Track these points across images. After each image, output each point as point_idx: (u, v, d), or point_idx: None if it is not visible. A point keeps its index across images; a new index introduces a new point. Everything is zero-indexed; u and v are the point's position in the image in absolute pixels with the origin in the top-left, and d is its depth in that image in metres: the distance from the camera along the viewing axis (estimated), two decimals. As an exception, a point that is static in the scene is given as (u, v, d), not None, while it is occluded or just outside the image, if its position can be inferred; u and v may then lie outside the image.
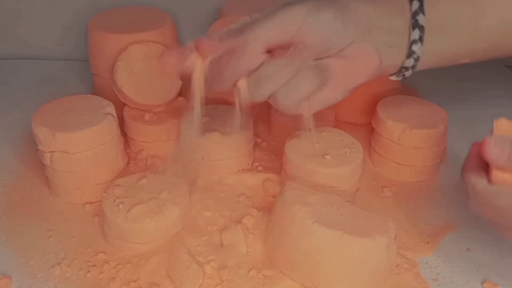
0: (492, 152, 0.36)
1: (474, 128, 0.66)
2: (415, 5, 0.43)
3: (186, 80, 0.45)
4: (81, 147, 0.51)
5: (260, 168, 0.59)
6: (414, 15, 0.43)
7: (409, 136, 0.55)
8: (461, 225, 0.52)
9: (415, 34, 0.43)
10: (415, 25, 0.43)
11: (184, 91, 0.63)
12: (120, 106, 0.60)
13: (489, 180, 0.37)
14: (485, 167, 0.38)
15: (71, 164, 0.52)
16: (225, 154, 0.56)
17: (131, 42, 0.62)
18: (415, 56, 0.44)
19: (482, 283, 0.46)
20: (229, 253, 0.46)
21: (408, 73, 0.46)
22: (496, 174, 0.36)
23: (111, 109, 0.55)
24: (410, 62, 0.44)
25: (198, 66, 0.43)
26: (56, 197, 0.55)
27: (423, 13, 0.43)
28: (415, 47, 0.43)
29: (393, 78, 0.47)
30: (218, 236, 0.48)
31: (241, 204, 0.53)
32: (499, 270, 0.47)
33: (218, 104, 0.61)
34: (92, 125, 0.51)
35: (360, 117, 0.66)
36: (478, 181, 0.37)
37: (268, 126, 0.65)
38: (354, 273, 0.43)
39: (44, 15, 0.81)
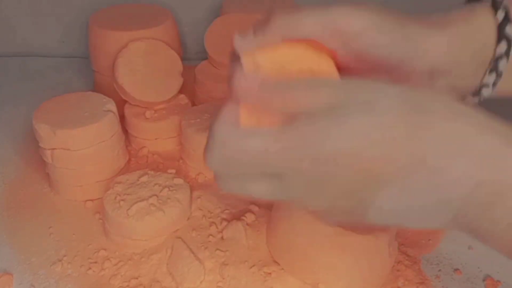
0: (240, 84, 0.30)
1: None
2: (502, 47, 0.35)
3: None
4: (82, 144, 0.51)
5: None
6: (497, 59, 0.35)
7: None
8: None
9: (490, 79, 0.36)
10: (494, 69, 0.36)
11: (184, 89, 0.63)
12: (121, 103, 0.60)
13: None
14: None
15: (72, 161, 0.52)
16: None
17: (131, 39, 0.62)
18: (482, 98, 0.37)
19: (484, 280, 0.46)
20: (230, 250, 0.46)
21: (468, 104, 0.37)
22: (244, 121, 0.30)
23: (112, 106, 0.54)
24: (474, 100, 0.38)
25: None
26: (57, 194, 0.55)
27: (507, 59, 0.35)
28: (485, 90, 0.37)
29: None
30: (219, 233, 0.48)
31: (242, 201, 0.53)
32: (500, 267, 0.47)
33: (219, 102, 0.61)
34: (93, 122, 0.51)
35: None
36: (227, 130, 0.30)
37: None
38: (355, 270, 0.43)
39: (44, 13, 0.81)
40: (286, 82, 0.30)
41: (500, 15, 0.35)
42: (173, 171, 0.55)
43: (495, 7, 0.35)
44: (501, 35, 0.35)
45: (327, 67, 0.34)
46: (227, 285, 0.44)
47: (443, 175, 0.28)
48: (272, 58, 0.34)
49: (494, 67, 0.35)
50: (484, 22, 0.35)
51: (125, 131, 0.60)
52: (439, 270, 0.47)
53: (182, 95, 0.63)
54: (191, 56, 0.80)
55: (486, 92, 0.37)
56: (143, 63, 0.61)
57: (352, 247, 0.42)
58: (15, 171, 0.59)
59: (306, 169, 0.28)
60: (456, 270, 0.47)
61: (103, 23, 0.65)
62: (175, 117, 0.60)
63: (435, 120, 0.28)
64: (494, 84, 0.36)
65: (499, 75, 0.36)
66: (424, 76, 0.35)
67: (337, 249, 0.42)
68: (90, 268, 0.46)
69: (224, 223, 0.49)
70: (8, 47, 0.83)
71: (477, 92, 0.37)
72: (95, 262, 0.47)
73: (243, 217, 0.49)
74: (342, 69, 0.35)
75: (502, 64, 0.35)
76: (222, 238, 0.48)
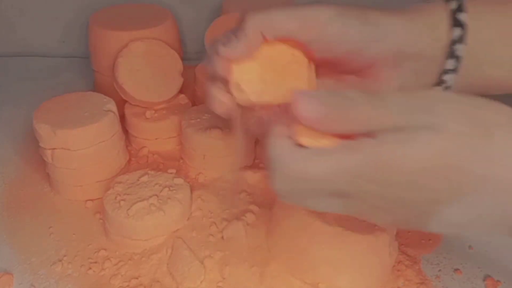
0: (306, 106, 0.29)
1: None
2: (456, 32, 0.37)
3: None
4: (82, 144, 0.51)
5: (261, 165, 0.59)
6: (453, 43, 0.37)
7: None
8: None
9: (450, 64, 0.38)
10: (452, 54, 0.37)
11: (184, 89, 0.63)
12: (121, 103, 0.60)
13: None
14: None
15: (72, 161, 0.52)
16: (227, 151, 0.56)
17: (132, 39, 0.62)
18: (446, 85, 0.39)
19: (484, 280, 0.46)
20: (230, 249, 0.46)
21: None
22: (301, 139, 0.30)
23: (112, 106, 0.54)
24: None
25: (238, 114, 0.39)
26: (57, 194, 0.55)
27: (464, 44, 0.37)
28: (447, 77, 0.38)
29: None
30: (219, 233, 0.48)
31: (242, 201, 0.53)
32: (500, 267, 0.47)
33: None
34: (93, 122, 0.51)
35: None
36: (282, 146, 0.30)
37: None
38: (355, 270, 0.43)
39: (45, 12, 0.81)
40: (347, 101, 0.29)
41: (452, 4, 0.37)
42: (173, 171, 0.55)
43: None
44: (454, 21, 0.37)
45: (308, 71, 0.38)
46: (227, 285, 0.44)
47: (510, 192, 0.28)
48: (254, 67, 0.37)
49: (452, 52, 0.37)
50: (439, 12, 0.38)
51: (125, 131, 0.60)
52: (439, 270, 0.47)
53: (182, 95, 0.63)
54: (191, 56, 0.80)
55: (448, 78, 0.38)
56: (143, 63, 0.61)
57: (352, 247, 0.42)
58: (15, 171, 0.59)
59: (372, 190, 0.29)
60: (456, 270, 0.47)
61: (103, 23, 0.65)
62: (175, 117, 0.60)
63: (501, 137, 0.28)
64: (455, 69, 0.38)
65: (458, 60, 0.37)
66: (390, 60, 0.37)
67: (337, 249, 0.42)
68: (90, 268, 0.46)
69: (224, 223, 0.49)
70: (8, 47, 0.83)
71: (440, 80, 0.39)
72: (95, 262, 0.47)
73: (243, 217, 0.49)
74: (319, 66, 0.38)
75: (459, 49, 0.37)
76: (222, 238, 0.48)
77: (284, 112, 0.32)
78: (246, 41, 0.36)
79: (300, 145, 0.30)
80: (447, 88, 0.39)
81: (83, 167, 0.52)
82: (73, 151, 0.51)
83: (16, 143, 0.63)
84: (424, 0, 0.40)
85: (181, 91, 0.63)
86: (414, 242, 0.49)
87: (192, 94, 0.65)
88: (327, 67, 0.39)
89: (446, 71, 0.38)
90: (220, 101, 0.38)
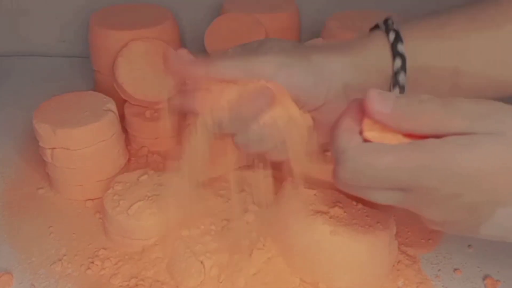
0: (377, 103, 0.31)
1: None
2: (397, 63, 0.40)
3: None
4: (82, 143, 0.51)
5: (261, 164, 0.59)
6: (396, 74, 0.40)
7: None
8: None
9: (396, 92, 0.40)
10: (395, 83, 0.40)
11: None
12: (121, 103, 0.60)
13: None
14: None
15: (72, 160, 0.52)
16: (227, 151, 0.56)
17: (132, 38, 0.62)
18: None
19: (483, 279, 0.46)
20: (230, 249, 0.46)
21: None
22: (368, 133, 0.32)
23: (112, 105, 0.54)
24: None
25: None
26: (57, 193, 0.55)
27: (405, 72, 0.40)
28: None
29: None
30: (219, 233, 0.48)
31: (242, 201, 0.52)
32: (500, 266, 0.47)
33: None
34: (93, 122, 0.51)
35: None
36: (350, 140, 0.32)
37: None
38: (355, 269, 0.43)
39: (45, 12, 0.81)
40: (420, 103, 0.31)
41: (391, 36, 0.40)
42: (173, 170, 0.55)
43: (387, 30, 0.40)
44: (394, 53, 0.39)
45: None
46: (227, 285, 0.44)
47: None
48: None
49: (395, 82, 0.40)
50: (379, 45, 0.40)
51: (125, 130, 0.60)
52: (439, 270, 0.47)
53: (182, 95, 0.63)
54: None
55: None
56: (143, 62, 0.61)
57: (352, 246, 0.42)
58: (15, 170, 0.59)
59: (434, 186, 0.30)
60: (456, 269, 0.47)
61: (104, 22, 0.65)
62: (175, 117, 0.60)
63: None
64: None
65: (401, 88, 0.40)
66: (340, 93, 0.40)
67: (337, 248, 0.42)
68: (90, 268, 0.46)
69: (224, 222, 0.49)
70: (8, 47, 0.83)
71: None
72: (95, 262, 0.47)
73: (243, 217, 0.49)
74: None
75: (401, 78, 0.39)
76: (222, 238, 0.48)
77: (355, 107, 0.33)
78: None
79: (366, 140, 0.32)
80: None
81: (83, 166, 0.52)
82: (73, 151, 0.51)
83: (16, 143, 0.63)
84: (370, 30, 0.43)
85: (181, 91, 0.63)
86: (413, 242, 0.49)
87: (192, 93, 0.65)
88: None
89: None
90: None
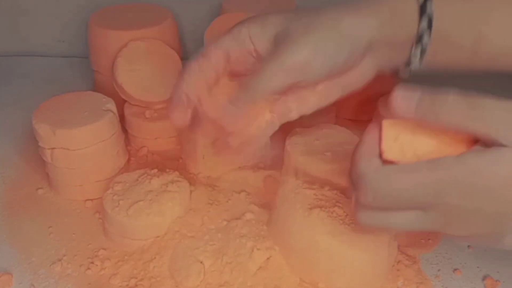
0: (401, 105, 0.32)
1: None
2: (424, 22, 0.40)
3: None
4: (82, 143, 0.51)
5: (261, 164, 0.59)
6: (420, 32, 0.40)
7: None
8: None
9: (417, 51, 0.41)
10: (419, 42, 0.41)
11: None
12: (120, 103, 0.60)
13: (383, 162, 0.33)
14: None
15: (72, 160, 0.52)
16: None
17: (131, 38, 0.62)
18: (411, 69, 0.43)
19: (483, 279, 0.46)
20: (230, 249, 0.46)
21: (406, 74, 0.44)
22: (388, 153, 0.33)
23: (112, 105, 0.54)
24: (406, 69, 0.43)
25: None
26: (57, 193, 0.55)
27: (430, 32, 0.40)
28: (413, 60, 0.42)
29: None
30: (219, 233, 0.48)
31: (242, 201, 0.53)
32: (499, 266, 0.47)
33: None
34: (92, 122, 0.51)
35: (360, 114, 0.66)
36: (369, 165, 0.33)
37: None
38: (355, 269, 0.43)
39: (44, 12, 0.81)
40: (445, 105, 0.31)
41: None
42: (173, 170, 0.55)
43: None
44: (422, 11, 0.40)
45: None
46: (227, 285, 0.44)
47: None
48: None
49: (419, 40, 0.40)
50: (408, 2, 0.40)
51: (124, 130, 0.60)
52: (439, 270, 0.47)
53: (182, 95, 0.63)
54: (191, 55, 0.80)
55: (414, 63, 0.42)
56: (143, 62, 0.61)
57: (352, 246, 0.42)
58: (15, 170, 0.59)
59: (455, 202, 0.31)
60: (455, 269, 0.47)
61: (103, 22, 0.65)
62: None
63: None
64: (422, 56, 0.41)
65: (424, 48, 0.40)
66: (366, 54, 0.41)
67: (337, 248, 0.42)
68: (89, 268, 0.46)
69: (224, 222, 0.49)
70: (8, 47, 0.83)
71: (408, 63, 0.42)
72: (95, 262, 0.47)
73: (243, 217, 0.49)
74: None
75: (425, 39, 0.40)
76: (222, 238, 0.48)
77: (373, 131, 0.34)
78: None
79: (386, 161, 0.33)
80: (409, 72, 0.43)
81: (82, 166, 0.52)
82: (72, 151, 0.51)
83: (15, 143, 0.63)
84: None
85: (180, 91, 0.63)
86: (413, 242, 0.49)
87: (191, 93, 0.65)
88: None
89: (412, 56, 0.41)
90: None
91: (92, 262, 0.47)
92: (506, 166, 0.30)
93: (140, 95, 0.60)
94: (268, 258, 0.45)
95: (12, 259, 0.48)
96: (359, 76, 0.43)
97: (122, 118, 0.59)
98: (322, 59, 0.39)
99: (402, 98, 0.32)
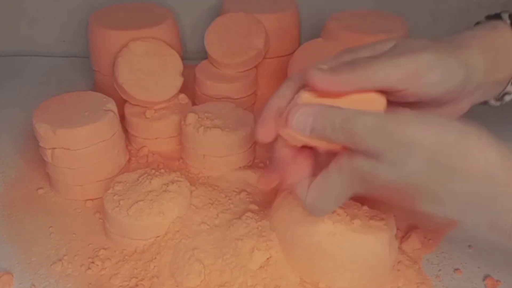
0: (294, 121, 0.35)
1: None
2: None
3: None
4: (82, 143, 0.51)
5: (261, 164, 0.59)
6: None
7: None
8: (463, 222, 0.52)
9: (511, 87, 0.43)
10: None
11: (184, 88, 0.63)
12: (121, 103, 0.60)
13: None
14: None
15: (72, 160, 0.52)
16: (227, 151, 0.56)
17: (132, 38, 0.62)
18: (504, 102, 0.44)
19: (484, 279, 0.46)
20: (230, 249, 0.46)
21: (490, 105, 0.46)
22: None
23: (112, 105, 0.54)
24: (496, 104, 0.45)
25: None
26: (57, 193, 0.55)
27: None
28: (507, 97, 0.44)
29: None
30: (219, 233, 0.48)
31: (242, 201, 0.53)
32: (500, 266, 0.47)
33: (219, 101, 0.61)
34: (93, 122, 0.51)
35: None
36: (301, 190, 0.38)
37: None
38: (355, 269, 0.43)
39: (44, 12, 0.81)
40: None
41: (508, 21, 0.40)
42: (173, 170, 0.55)
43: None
44: None
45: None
46: (228, 285, 0.44)
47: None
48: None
49: None
50: (507, 38, 0.41)
51: (125, 130, 0.60)
52: (440, 270, 0.47)
53: (182, 95, 0.63)
54: (192, 55, 0.80)
55: (508, 98, 0.44)
56: (143, 62, 0.61)
57: (352, 246, 0.42)
58: (15, 170, 0.59)
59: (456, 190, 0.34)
60: (456, 269, 0.47)
61: (104, 22, 0.65)
62: (175, 117, 0.60)
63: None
64: None
65: None
66: (471, 93, 0.40)
67: (337, 248, 0.42)
68: (90, 268, 0.46)
69: (225, 222, 0.49)
70: (8, 46, 0.83)
71: (499, 98, 0.44)
72: (95, 262, 0.47)
73: (243, 217, 0.49)
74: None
75: None
76: (222, 237, 0.48)
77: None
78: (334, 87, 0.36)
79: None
80: (503, 104, 0.45)
81: (83, 166, 0.52)
82: (73, 151, 0.51)
83: (16, 143, 0.63)
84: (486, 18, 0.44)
85: (181, 91, 0.63)
86: (414, 242, 0.49)
87: (192, 93, 0.65)
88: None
89: (506, 93, 0.44)
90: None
91: (93, 262, 0.47)
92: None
93: (141, 95, 0.60)
94: (268, 258, 0.45)
95: (12, 259, 0.47)
96: (453, 113, 0.42)
97: (122, 118, 0.59)
98: (438, 75, 0.37)
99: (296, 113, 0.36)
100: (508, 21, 0.42)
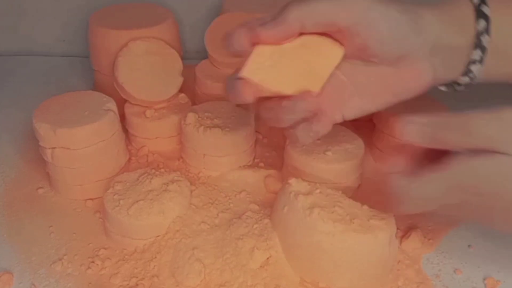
0: (406, 131, 0.36)
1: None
2: (481, 24, 0.40)
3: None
4: (82, 143, 0.51)
5: (261, 164, 0.59)
6: (479, 35, 0.40)
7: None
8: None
9: (476, 54, 0.40)
10: (478, 45, 0.40)
11: (184, 88, 0.63)
12: (121, 102, 0.60)
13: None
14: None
15: (72, 160, 0.52)
16: (227, 151, 0.56)
17: (132, 38, 0.62)
18: (472, 75, 0.42)
19: (484, 279, 0.46)
20: (230, 248, 0.46)
21: (460, 88, 0.44)
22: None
23: (112, 105, 0.54)
24: (465, 79, 0.42)
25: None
26: (57, 193, 0.55)
27: (489, 34, 0.40)
28: (473, 67, 0.41)
29: (442, 88, 0.45)
30: (219, 232, 0.48)
31: (242, 200, 0.53)
32: (500, 266, 0.47)
33: (219, 101, 0.61)
34: (93, 121, 0.51)
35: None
36: (397, 181, 0.38)
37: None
38: (355, 269, 0.43)
39: (45, 11, 0.81)
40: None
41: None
42: (173, 170, 0.55)
43: None
44: (478, 14, 0.40)
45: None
46: (228, 284, 0.44)
47: None
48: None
49: (478, 43, 0.40)
50: (464, 6, 0.40)
51: (125, 130, 0.60)
52: (439, 270, 0.47)
53: (182, 94, 0.63)
54: (191, 55, 0.80)
55: (475, 69, 0.41)
56: (143, 62, 0.61)
57: (352, 246, 0.42)
58: (15, 170, 0.59)
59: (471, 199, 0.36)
60: (456, 269, 0.47)
61: (104, 22, 0.65)
62: (175, 116, 0.60)
63: None
64: (481, 60, 0.41)
65: (484, 50, 0.40)
66: (425, 53, 0.40)
67: (337, 248, 0.42)
68: (90, 267, 0.46)
69: (225, 222, 0.49)
70: (8, 46, 0.83)
71: (467, 70, 0.42)
72: (96, 261, 0.47)
73: (243, 216, 0.49)
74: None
75: (485, 40, 0.40)
76: (222, 237, 0.48)
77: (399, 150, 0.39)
78: (284, 27, 0.37)
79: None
80: (472, 79, 0.42)
81: (83, 166, 0.52)
82: (73, 150, 0.51)
83: (16, 143, 0.63)
84: None
85: (181, 90, 0.63)
86: (414, 241, 0.49)
87: (192, 93, 0.65)
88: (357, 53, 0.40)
89: (472, 62, 0.41)
90: (237, 90, 0.39)
91: (93, 262, 0.47)
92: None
93: (141, 94, 0.60)
94: (268, 258, 0.45)
95: (12, 259, 0.47)
96: (413, 81, 0.41)
97: (122, 118, 0.59)
98: (386, 27, 0.38)
99: (405, 123, 0.36)
100: None
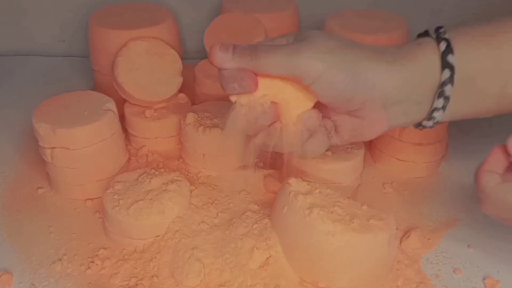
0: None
1: (476, 125, 0.66)
2: (446, 75, 0.40)
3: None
4: (82, 143, 0.51)
5: (261, 164, 0.59)
6: (442, 85, 0.40)
7: (410, 132, 0.55)
8: (462, 221, 0.52)
9: (439, 103, 0.41)
10: (441, 94, 0.40)
11: (184, 88, 0.63)
12: (121, 102, 0.60)
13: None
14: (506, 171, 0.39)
15: (72, 160, 0.52)
16: (226, 151, 0.56)
17: (131, 38, 0.62)
18: (435, 121, 0.42)
19: (483, 279, 0.46)
20: (230, 248, 0.46)
21: (425, 128, 0.44)
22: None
23: (112, 105, 0.54)
24: (428, 123, 0.43)
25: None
26: (57, 193, 0.55)
27: (452, 84, 0.40)
28: (436, 114, 0.42)
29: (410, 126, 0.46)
30: (219, 232, 0.48)
31: (242, 200, 0.53)
32: (500, 266, 0.47)
33: (218, 101, 0.61)
34: (92, 121, 0.51)
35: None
36: (489, 180, 0.38)
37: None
38: (355, 268, 0.43)
39: (44, 12, 0.81)
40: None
41: (442, 46, 0.40)
42: (173, 170, 0.55)
43: (438, 39, 0.40)
44: (444, 63, 0.40)
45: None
46: (228, 284, 0.44)
47: None
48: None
49: (441, 93, 0.40)
50: (430, 55, 0.40)
51: (125, 130, 0.60)
52: (439, 270, 0.47)
53: (182, 94, 0.63)
54: (191, 55, 0.80)
55: (437, 115, 0.42)
56: (143, 62, 0.61)
57: (352, 246, 0.42)
58: (15, 170, 0.59)
59: None
60: (456, 269, 0.47)
61: (103, 22, 0.65)
62: (174, 116, 0.60)
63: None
64: (444, 107, 0.41)
65: (446, 99, 0.40)
66: (377, 104, 0.41)
67: (337, 248, 0.42)
68: (90, 267, 0.46)
69: (225, 222, 0.49)
70: (8, 46, 0.83)
71: (430, 116, 0.42)
72: (95, 261, 0.47)
73: (243, 216, 0.49)
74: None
75: (448, 89, 0.40)
76: (222, 237, 0.48)
77: (498, 152, 0.40)
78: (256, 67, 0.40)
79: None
80: (436, 123, 0.42)
81: (82, 166, 0.52)
82: (72, 150, 0.51)
83: (16, 143, 0.63)
84: (418, 36, 0.43)
85: (180, 90, 0.63)
86: (414, 241, 0.49)
87: (191, 93, 0.65)
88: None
89: (435, 109, 0.41)
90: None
91: (93, 262, 0.47)
92: None
93: (140, 94, 0.60)
94: (268, 257, 0.45)
95: (12, 259, 0.48)
96: (370, 127, 0.43)
97: (122, 118, 0.59)
98: (329, 81, 0.39)
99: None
100: (434, 35, 0.41)
